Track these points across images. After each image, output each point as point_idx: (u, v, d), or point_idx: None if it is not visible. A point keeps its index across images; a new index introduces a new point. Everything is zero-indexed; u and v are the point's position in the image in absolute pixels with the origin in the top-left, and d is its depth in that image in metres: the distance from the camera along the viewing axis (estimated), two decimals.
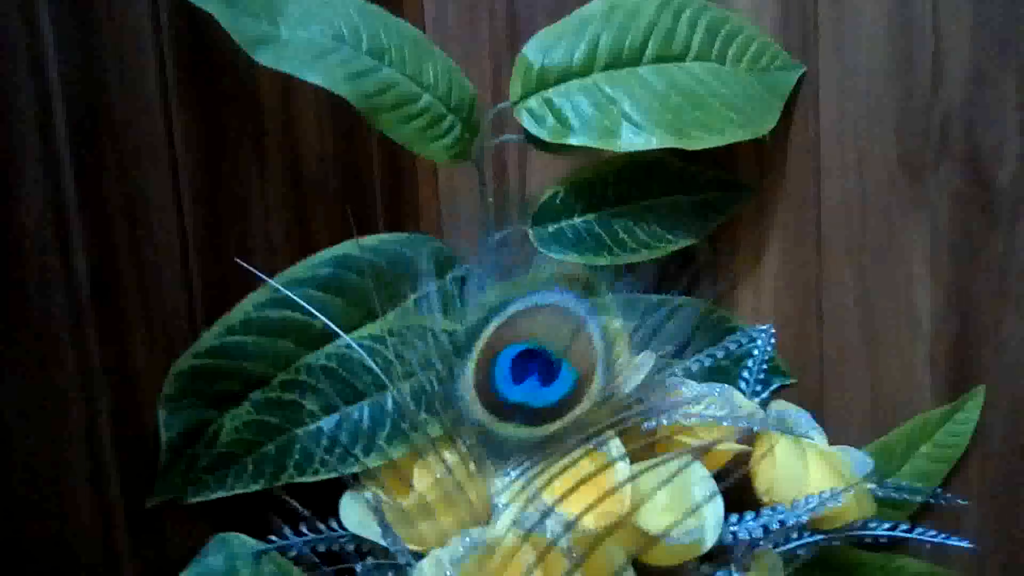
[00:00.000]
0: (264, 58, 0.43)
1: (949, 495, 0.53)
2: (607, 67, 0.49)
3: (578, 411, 0.43)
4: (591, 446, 0.43)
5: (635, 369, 0.46)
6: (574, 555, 0.40)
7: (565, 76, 0.49)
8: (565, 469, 0.42)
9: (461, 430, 0.44)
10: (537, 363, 0.44)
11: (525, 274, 0.46)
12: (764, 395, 0.54)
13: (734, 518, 0.46)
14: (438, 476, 0.44)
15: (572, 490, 0.42)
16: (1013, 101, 0.50)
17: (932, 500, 0.53)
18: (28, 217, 0.39)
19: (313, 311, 0.44)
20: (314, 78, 0.44)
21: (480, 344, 0.44)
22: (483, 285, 0.45)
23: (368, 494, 0.45)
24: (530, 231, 0.51)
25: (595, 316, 0.44)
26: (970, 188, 0.52)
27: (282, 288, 0.44)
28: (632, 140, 0.48)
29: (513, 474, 0.43)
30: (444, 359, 0.44)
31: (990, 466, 0.53)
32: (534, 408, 0.44)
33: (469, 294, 0.46)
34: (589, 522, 0.42)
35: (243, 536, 0.44)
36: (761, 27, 0.54)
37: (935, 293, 0.53)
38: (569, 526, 0.40)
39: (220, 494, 0.44)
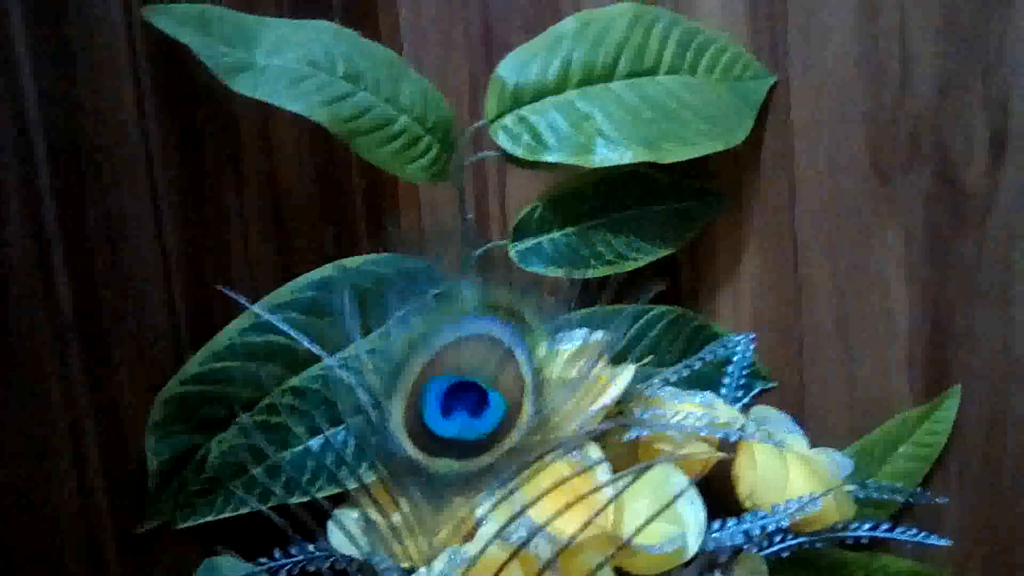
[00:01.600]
0: (240, 86, 0.43)
1: (929, 494, 0.54)
2: (580, 84, 0.50)
3: (510, 440, 0.43)
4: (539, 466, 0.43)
5: (615, 380, 0.47)
6: (554, 566, 0.40)
7: (539, 94, 0.50)
8: (545, 479, 0.43)
9: (393, 470, 0.44)
10: (467, 395, 0.44)
11: (447, 304, 0.45)
12: (746, 400, 0.55)
13: (716, 524, 0.46)
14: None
15: (561, 509, 0.43)
16: (980, 103, 0.51)
17: (912, 500, 0.54)
18: (9, 245, 0.39)
19: (296, 335, 0.45)
20: (291, 105, 0.44)
21: (407, 380, 0.44)
22: (407, 316, 0.45)
23: (355, 513, 0.46)
24: (509, 247, 0.52)
25: (521, 342, 0.44)
26: (941, 190, 0.52)
27: (265, 314, 0.45)
28: (606, 155, 0.49)
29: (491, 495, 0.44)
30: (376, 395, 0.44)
31: (969, 463, 0.54)
32: (467, 441, 0.43)
33: (392, 328, 0.45)
34: (572, 533, 0.42)
35: (233, 559, 0.45)
36: (731, 37, 0.54)
37: (910, 294, 0.54)
38: (553, 541, 0.41)
39: (210, 518, 0.45)
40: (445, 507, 0.43)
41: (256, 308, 0.45)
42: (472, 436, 0.43)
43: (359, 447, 0.45)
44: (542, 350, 0.44)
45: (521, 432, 0.43)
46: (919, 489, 0.54)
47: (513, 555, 0.41)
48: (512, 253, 0.52)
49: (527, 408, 0.43)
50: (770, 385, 0.57)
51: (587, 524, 0.40)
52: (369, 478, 0.45)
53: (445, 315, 0.44)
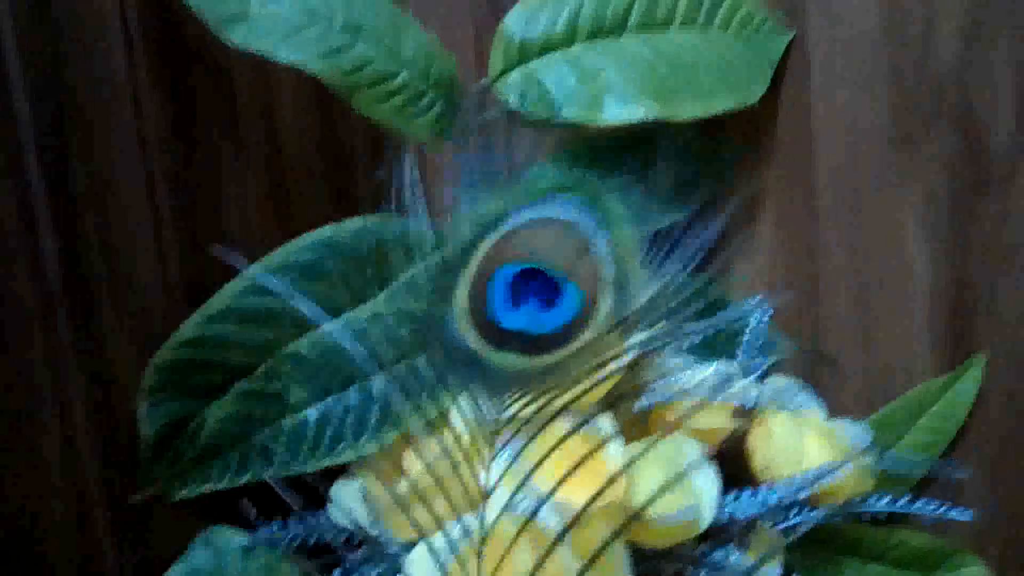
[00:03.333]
0: (235, 36, 0.42)
1: (950, 466, 0.52)
2: (590, 37, 0.48)
3: (585, 337, 0.38)
4: (584, 422, 0.41)
5: (628, 346, 0.45)
6: (564, 536, 0.39)
7: (546, 48, 0.48)
8: (555, 449, 0.41)
9: (452, 363, 0.40)
10: (538, 284, 0.39)
11: (522, 182, 0.41)
12: (761, 369, 0.54)
13: (731, 496, 0.45)
14: (430, 460, 0.43)
15: (566, 475, 0.41)
16: (1006, 63, 0.49)
17: (933, 472, 0.52)
18: None
19: (295, 296, 0.43)
20: (287, 56, 0.42)
21: (473, 264, 0.40)
22: (475, 196, 0.40)
23: (358, 483, 0.44)
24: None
25: (603, 229, 0.40)
26: (964, 152, 0.51)
27: (261, 276, 0.43)
28: (617, 112, 0.47)
29: (505, 457, 0.42)
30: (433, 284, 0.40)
31: (991, 434, 0.53)
32: (535, 335, 0.39)
33: (460, 205, 0.40)
34: (582, 504, 0.41)
35: (230, 531, 0.43)
36: None
37: (932, 260, 0.52)
38: (563, 512, 0.39)
39: (206, 489, 0.43)
40: (506, 405, 0.39)
41: (252, 269, 0.43)
42: (540, 330, 0.39)
43: (360, 416, 0.44)
44: (625, 239, 0.40)
45: (597, 329, 0.39)
46: (940, 461, 0.53)
47: (522, 528, 0.39)
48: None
49: (605, 302, 0.39)
50: (785, 355, 0.56)
51: (598, 495, 0.38)
52: (371, 448, 0.44)
53: (517, 196, 0.40)
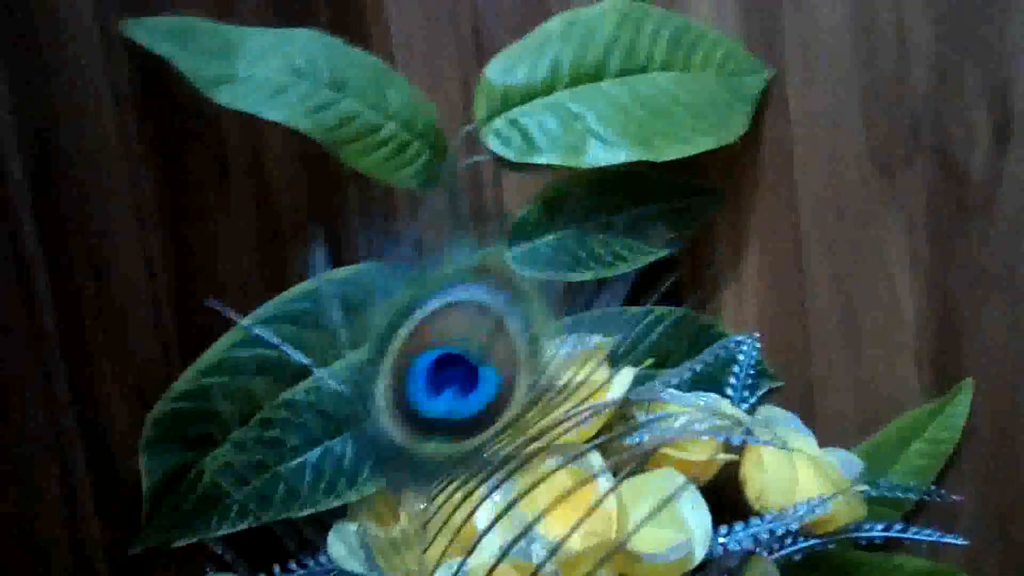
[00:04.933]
0: (222, 98, 0.43)
1: (943, 491, 0.53)
2: (571, 83, 0.49)
3: (504, 418, 0.39)
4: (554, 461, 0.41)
5: (617, 383, 0.46)
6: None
7: (529, 95, 0.49)
8: (544, 487, 0.42)
9: (379, 457, 0.41)
10: (456, 370, 0.40)
11: (436, 267, 0.41)
12: (752, 400, 0.54)
13: (723, 530, 0.45)
14: (423, 503, 0.44)
15: (558, 512, 0.42)
16: (981, 89, 0.50)
17: (926, 498, 0.53)
18: None
19: (286, 348, 0.44)
20: (274, 115, 0.44)
21: (391, 355, 0.40)
22: (392, 284, 0.40)
23: (354, 526, 0.45)
24: (506, 251, 0.51)
25: (515, 308, 0.40)
26: (943, 180, 0.51)
27: (254, 327, 0.44)
28: (599, 155, 0.48)
29: (497, 498, 0.43)
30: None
31: (982, 458, 0.53)
32: (457, 420, 0.40)
33: (376, 294, 0.41)
34: (576, 544, 0.42)
35: None
36: (725, 32, 0.53)
37: (916, 287, 0.53)
38: (554, 550, 0.40)
39: (205, 536, 0.44)
40: (436, 495, 0.40)
41: (245, 322, 0.44)
42: (462, 415, 0.40)
43: (355, 458, 0.45)
44: (538, 319, 0.41)
45: (516, 409, 0.40)
46: (932, 487, 0.53)
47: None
48: (508, 258, 0.51)
49: (522, 382, 0.40)
50: (776, 385, 0.56)
51: (578, 525, 0.39)
52: (367, 491, 0.45)
53: (431, 282, 0.40)
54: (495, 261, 0.42)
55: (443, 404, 0.40)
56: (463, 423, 0.40)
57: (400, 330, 0.40)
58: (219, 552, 0.44)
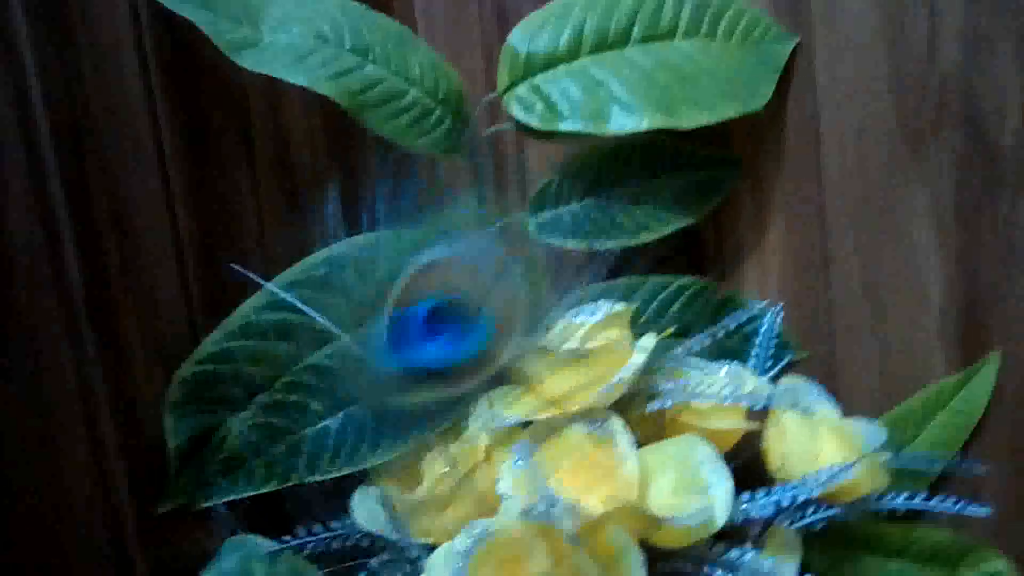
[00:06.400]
0: (246, 62, 0.43)
1: (966, 462, 0.52)
2: (594, 50, 0.49)
3: (497, 363, 0.40)
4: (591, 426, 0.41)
5: (638, 351, 0.46)
6: (579, 540, 0.39)
7: (552, 62, 0.49)
8: (566, 452, 0.42)
9: (374, 398, 0.41)
10: (454, 314, 0.41)
11: (436, 217, 0.42)
12: (774, 371, 0.54)
13: (745, 496, 0.45)
14: (446, 466, 0.44)
15: (579, 476, 0.42)
16: (1011, 62, 0.49)
17: (949, 469, 0.52)
18: (17, 233, 0.39)
19: (310, 312, 0.44)
20: (297, 79, 0.44)
21: (391, 299, 0.41)
22: (394, 232, 0.42)
23: (378, 489, 0.45)
24: (528, 219, 0.51)
25: (514, 259, 0.41)
26: (972, 152, 0.51)
27: (279, 291, 0.44)
28: (622, 122, 0.48)
29: (520, 462, 0.43)
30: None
31: (1007, 430, 0.53)
32: (452, 364, 0.41)
33: (379, 242, 0.42)
34: (596, 507, 0.42)
35: (257, 537, 0.44)
36: (750, 2, 0.53)
37: (942, 259, 0.52)
38: (576, 514, 0.40)
39: (231, 497, 0.45)
40: (429, 438, 0.40)
41: (270, 285, 0.44)
42: (457, 358, 0.41)
43: (377, 423, 0.45)
44: (537, 266, 0.42)
45: (511, 355, 0.41)
46: (956, 458, 0.53)
47: (554, 538, 0.39)
48: (530, 226, 0.51)
49: (518, 329, 0.41)
50: (799, 356, 0.56)
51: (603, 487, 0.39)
52: (391, 455, 0.45)
53: (435, 230, 0.42)
54: (511, 224, 0.42)
55: (439, 347, 0.41)
56: (458, 366, 0.41)
57: (401, 276, 0.41)
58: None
